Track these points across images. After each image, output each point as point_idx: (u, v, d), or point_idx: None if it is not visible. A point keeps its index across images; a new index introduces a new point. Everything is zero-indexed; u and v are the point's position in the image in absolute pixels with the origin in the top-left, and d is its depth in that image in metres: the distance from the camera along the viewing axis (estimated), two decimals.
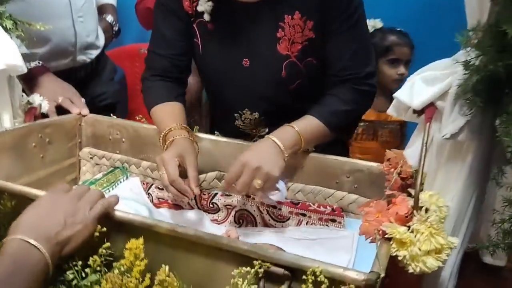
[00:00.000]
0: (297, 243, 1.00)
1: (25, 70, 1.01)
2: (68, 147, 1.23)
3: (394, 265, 0.66)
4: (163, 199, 1.15)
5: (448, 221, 0.68)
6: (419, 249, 0.62)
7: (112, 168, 1.23)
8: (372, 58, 1.09)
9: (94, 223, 0.67)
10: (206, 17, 1.08)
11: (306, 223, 1.05)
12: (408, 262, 0.63)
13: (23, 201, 0.71)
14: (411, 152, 0.75)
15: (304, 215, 1.05)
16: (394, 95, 0.75)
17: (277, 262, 0.59)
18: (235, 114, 1.18)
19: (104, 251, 0.64)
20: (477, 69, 0.62)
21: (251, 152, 0.94)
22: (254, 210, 1.07)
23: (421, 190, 0.68)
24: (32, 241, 0.60)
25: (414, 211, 0.65)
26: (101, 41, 1.56)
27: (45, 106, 1.16)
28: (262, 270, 0.59)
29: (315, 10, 1.01)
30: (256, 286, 0.58)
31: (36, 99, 1.14)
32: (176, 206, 1.14)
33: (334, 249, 0.97)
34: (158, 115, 1.10)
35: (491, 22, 0.62)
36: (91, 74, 1.51)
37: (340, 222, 1.02)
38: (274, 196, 0.96)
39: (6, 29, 1.01)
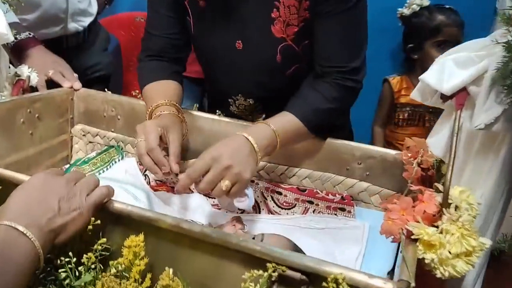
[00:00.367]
0: (303, 232, 0.94)
1: (11, 39, 0.93)
2: (59, 123, 1.15)
3: (418, 267, 0.60)
4: (160, 181, 1.08)
5: (476, 220, 0.62)
6: (449, 252, 0.56)
7: (106, 147, 1.15)
8: (362, 52, 0.96)
9: (91, 211, 0.60)
10: None
11: (313, 211, 0.99)
12: (436, 266, 0.57)
13: (9, 187, 0.63)
14: (436, 142, 0.68)
15: (311, 202, 0.99)
16: (420, 77, 0.67)
17: (293, 266, 0.53)
18: (229, 100, 1.11)
19: (99, 247, 0.58)
20: None
21: (223, 147, 0.82)
22: (257, 196, 1.01)
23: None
24: (20, 228, 0.53)
25: (443, 209, 0.59)
26: (94, 8, 1.47)
27: (34, 79, 1.07)
28: (276, 274, 0.53)
29: None
30: None
31: (24, 70, 1.06)
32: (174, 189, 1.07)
33: (343, 240, 0.92)
34: (148, 93, 1.03)
35: None
36: (83, 43, 1.42)
37: (349, 211, 0.96)
38: (241, 204, 0.84)
39: None
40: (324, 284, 0.51)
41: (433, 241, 0.56)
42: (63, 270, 0.56)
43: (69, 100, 1.16)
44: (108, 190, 0.64)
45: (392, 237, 0.62)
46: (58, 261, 0.57)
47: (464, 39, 1.71)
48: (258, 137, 0.84)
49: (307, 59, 1.00)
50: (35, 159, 1.09)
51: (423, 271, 0.61)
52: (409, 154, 0.78)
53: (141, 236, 0.56)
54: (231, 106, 1.12)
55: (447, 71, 0.64)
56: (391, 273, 0.82)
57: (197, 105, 1.15)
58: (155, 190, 1.08)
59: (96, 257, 0.58)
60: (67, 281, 0.56)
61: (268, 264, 0.53)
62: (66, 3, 1.33)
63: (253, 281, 0.53)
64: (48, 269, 0.58)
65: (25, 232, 0.53)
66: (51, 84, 1.13)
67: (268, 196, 1.01)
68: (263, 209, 1.01)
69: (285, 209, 1.00)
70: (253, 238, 0.79)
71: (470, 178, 0.65)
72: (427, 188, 0.62)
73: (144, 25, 1.11)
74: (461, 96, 0.62)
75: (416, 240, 0.59)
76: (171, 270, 0.54)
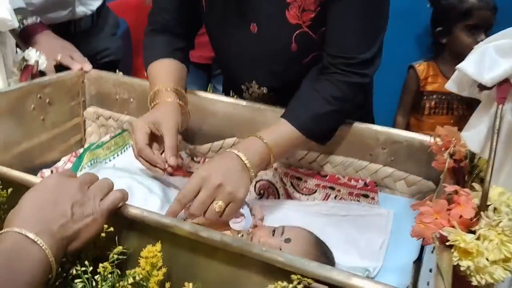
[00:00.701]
0: (324, 220, 0.91)
1: (16, 25, 0.89)
2: (71, 106, 1.12)
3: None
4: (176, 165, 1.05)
5: None
6: (487, 259, 0.53)
7: (120, 130, 1.12)
8: (376, 42, 0.85)
9: (104, 217, 0.57)
10: None
11: (335, 198, 0.95)
12: (472, 274, 0.53)
13: (21, 190, 0.61)
14: (472, 136, 0.63)
15: (332, 188, 0.95)
16: (457, 66, 0.61)
17: (320, 279, 0.50)
18: (242, 86, 1.05)
19: (115, 256, 0.55)
20: None
21: (213, 166, 0.76)
22: (276, 181, 0.98)
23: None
24: (31, 235, 0.50)
25: (481, 212, 0.55)
26: None
27: (43, 63, 1.03)
28: (301, 286, 0.50)
29: None
30: None
31: (33, 55, 1.01)
32: (191, 174, 1.04)
33: (366, 228, 0.88)
34: (149, 76, 0.98)
35: None
36: (91, 28, 1.37)
37: (373, 198, 0.92)
38: (238, 225, 0.77)
39: None
40: None
41: (470, 248, 0.52)
42: (79, 280, 0.54)
43: (79, 82, 1.12)
44: (122, 194, 0.60)
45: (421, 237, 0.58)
46: (74, 270, 0.54)
47: (497, 24, 1.62)
48: (249, 154, 0.78)
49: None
50: (48, 144, 1.07)
51: (457, 275, 0.57)
52: (440, 144, 0.73)
53: (158, 246, 0.54)
54: (244, 93, 1.06)
55: (487, 60, 0.58)
56: (417, 262, 0.79)
57: (212, 86, 1.10)
58: (171, 175, 1.05)
59: (112, 266, 0.55)
60: None
61: (293, 276, 0.50)
62: None
63: None
64: (64, 277, 0.55)
65: (36, 240, 0.50)
66: (61, 69, 1.09)
67: (287, 181, 0.97)
68: (282, 194, 0.98)
69: (305, 194, 0.97)
70: (273, 231, 0.76)
71: (509, 177, 0.60)
72: (462, 189, 0.58)
73: None
74: (504, 88, 0.57)
75: (451, 246, 0.55)
76: (190, 285, 0.51)
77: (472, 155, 0.71)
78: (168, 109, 0.87)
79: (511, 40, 0.58)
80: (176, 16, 1.00)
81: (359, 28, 0.83)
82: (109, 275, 0.54)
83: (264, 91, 1.02)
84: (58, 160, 1.07)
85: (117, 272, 0.58)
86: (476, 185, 0.58)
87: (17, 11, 0.90)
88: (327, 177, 0.96)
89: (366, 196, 0.93)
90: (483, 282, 0.54)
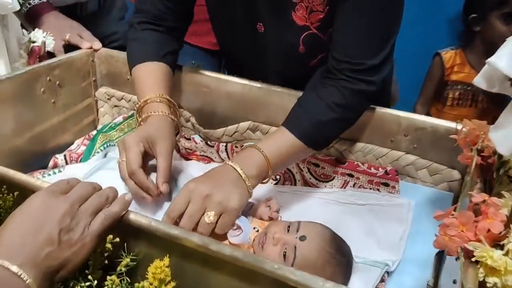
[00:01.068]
0: (343, 209, 0.88)
1: (17, 8, 0.85)
2: (82, 87, 1.09)
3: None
4: (190, 149, 1.03)
5: None
6: None
7: (133, 112, 1.09)
8: (386, 47, 0.78)
9: (94, 240, 0.52)
10: None
11: (353, 185, 0.92)
12: None
13: (27, 194, 0.59)
14: (501, 137, 0.58)
15: (351, 176, 0.92)
16: (487, 60, 0.56)
17: None
18: None
19: (123, 268, 0.53)
20: None
21: (202, 177, 0.72)
22: (293, 167, 0.94)
23: None
24: (14, 268, 0.46)
25: (510, 225, 0.51)
26: None
27: (50, 44, 1.00)
28: None
29: None
30: None
31: (39, 35, 0.98)
32: (205, 158, 1.02)
33: (385, 218, 0.85)
34: (137, 80, 0.89)
35: None
36: (98, 11, 1.32)
37: (394, 187, 0.89)
38: (235, 238, 0.70)
39: None
40: None
41: (498, 266, 0.49)
42: None
43: (89, 62, 1.09)
44: (119, 207, 0.56)
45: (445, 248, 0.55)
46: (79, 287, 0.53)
47: None
48: (245, 165, 0.73)
49: None
50: (61, 127, 1.05)
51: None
52: (466, 138, 0.68)
53: (166, 260, 0.51)
54: None
55: None
56: (439, 255, 0.76)
57: (201, 66, 1.04)
58: (186, 159, 1.03)
59: (121, 276, 0.54)
60: None
61: None
62: None
63: None
64: None
65: (19, 273, 0.46)
66: (70, 50, 1.05)
67: (304, 167, 0.94)
68: (298, 180, 0.95)
69: (323, 181, 0.94)
70: (289, 227, 0.73)
71: None
72: (490, 198, 0.53)
73: None
74: None
75: (477, 261, 0.51)
76: None
77: None
78: (162, 126, 0.80)
79: None
80: (169, 5, 0.91)
81: (368, 31, 0.76)
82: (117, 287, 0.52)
83: None
84: (72, 143, 1.06)
85: (127, 280, 0.56)
86: (506, 194, 0.54)
87: None
88: (346, 164, 0.92)
89: (386, 184, 0.89)
90: None
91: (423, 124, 0.85)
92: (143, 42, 0.91)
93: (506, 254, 0.51)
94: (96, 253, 0.55)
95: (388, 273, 0.77)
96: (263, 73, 0.96)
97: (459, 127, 0.73)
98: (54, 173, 0.93)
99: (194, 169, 0.96)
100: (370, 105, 0.83)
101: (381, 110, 0.88)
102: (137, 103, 0.85)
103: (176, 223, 0.67)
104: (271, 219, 0.80)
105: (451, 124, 0.83)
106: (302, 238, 0.70)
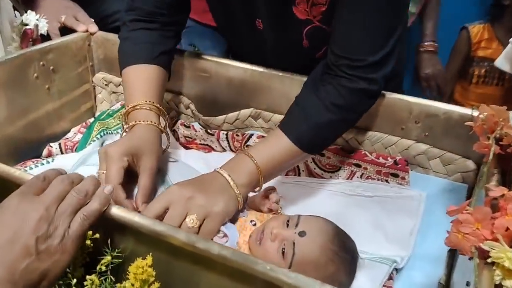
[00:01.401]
0: (347, 200, 0.83)
1: None
2: (78, 73, 1.05)
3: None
4: (190, 138, 0.98)
5: None
6: None
7: None
8: (389, 41, 0.71)
9: (75, 243, 0.48)
10: None
11: (361, 176, 0.86)
12: None
13: (10, 187, 0.54)
14: None
15: (358, 166, 0.87)
16: (511, 40, 0.50)
17: None
18: None
19: (103, 267, 0.49)
20: None
21: (185, 182, 0.67)
22: None
23: None
24: None
25: None
26: None
27: (43, 27, 0.96)
28: None
29: None
30: None
31: (31, 18, 0.94)
32: (206, 147, 0.97)
33: (395, 211, 0.80)
34: (126, 83, 0.83)
35: None
36: None
37: (403, 178, 0.83)
38: None
39: None
40: None
41: None
42: None
43: (86, 46, 1.04)
44: (99, 203, 0.51)
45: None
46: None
47: None
48: (235, 173, 0.69)
49: None
50: (57, 114, 1.01)
51: None
52: (483, 124, 0.63)
53: (149, 259, 0.47)
54: None
55: None
56: (452, 251, 0.71)
57: (197, 48, 0.99)
58: (186, 148, 0.98)
59: (103, 275, 0.49)
60: None
61: None
62: None
63: None
64: None
65: None
66: (66, 33, 1.01)
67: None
68: (303, 171, 0.90)
69: (328, 172, 0.88)
70: (288, 221, 0.68)
71: None
72: (510, 192, 0.48)
73: None
74: None
75: (493, 262, 0.46)
76: None
77: None
78: (148, 138, 0.73)
79: None
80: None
81: (369, 26, 0.69)
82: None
83: None
84: (69, 131, 1.02)
85: (111, 279, 0.52)
86: None
87: None
88: (353, 154, 0.86)
89: (395, 175, 0.84)
90: None
91: (436, 111, 0.79)
92: (135, 43, 0.85)
93: None
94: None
95: (397, 269, 0.72)
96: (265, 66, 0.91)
97: (475, 113, 0.67)
98: (48, 162, 0.89)
99: (194, 159, 0.92)
100: (373, 104, 0.77)
101: (391, 96, 0.82)
102: (125, 107, 0.79)
103: None
104: (270, 211, 0.75)
105: (466, 111, 0.77)
106: (302, 234, 0.65)
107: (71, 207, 0.49)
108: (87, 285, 0.48)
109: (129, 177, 0.70)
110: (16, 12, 0.94)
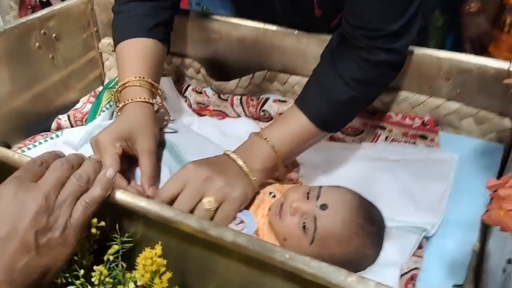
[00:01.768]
0: (372, 165, 0.78)
1: None
2: (83, 39, 1.00)
3: None
4: (203, 104, 0.93)
5: None
6: None
7: None
8: (408, 10, 0.64)
9: (78, 233, 0.44)
10: None
11: (386, 139, 0.81)
12: None
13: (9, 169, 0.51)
14: None
15: (383, 128, 0.81)
16: None
17: None
18: None
19: (110, 257, 0.46)
20: None
21: (202, 160, 0.62)
22: None
23: None
24: None
25: None
26: None
27: None
28: None
29: None
30: None
31: None
32: (219, 113, 0.92)
33: (424, 175, 0.75)
34: (118, 60, 0.77)
35: None
36: None
37: (432, 140, 0.77)
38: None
39: None
40: None
41: None
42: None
43: (88, 10, 0.99)
44: (101, 188, 0.47)
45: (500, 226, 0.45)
46: (63, 279, 0.46)
47: None
48: (248, 158, 0.63)
49: None
50: (64, 84, 0.97)
51: None
52: None
53: (158, 249, 0.43)
54: None
55: None
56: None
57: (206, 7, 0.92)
58: (199, 115, 0.94)
59: (116, 264, 0.46)
60: None
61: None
62: None
63: None
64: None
65: None
66: None
67: None
68: None
69: (350, 135, 0.83)
70: (308, 193, 0.63)
71: None
72: None
73: None
74: None
75: None
76: None
77: None
78: (141, 116, 0.67)
79: None
80: None
81: None
82: (106, 279, 0.45)
83: None
84: (78, 101, 0.99)
85: (122, 265, 0.49)
86: None
87: None
88: (377, 115, 0.81)
89: (423, 137, 0.78)
90: None
91: (469, 66, 0.72)
92: (127, 16, 0.78)
93: None
94: (82, 239, 0.48)
95: (427, 238, 0.68)
96: None
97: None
98: (57, 136, 0.85)
99: (208, 127, 0.87)
100: (395, 76, 0.70)
101: (418, 51, 0.75)
102: (116, 87, 0.73)
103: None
104: (290, 180, 0.71)
105: (503, 65, 0.70)
106: (323, 207, 0.61)
107: (72, 195, 0.45)
108: (95, 276, 0.45)
109: (130, 162, 0.65)
110: None
